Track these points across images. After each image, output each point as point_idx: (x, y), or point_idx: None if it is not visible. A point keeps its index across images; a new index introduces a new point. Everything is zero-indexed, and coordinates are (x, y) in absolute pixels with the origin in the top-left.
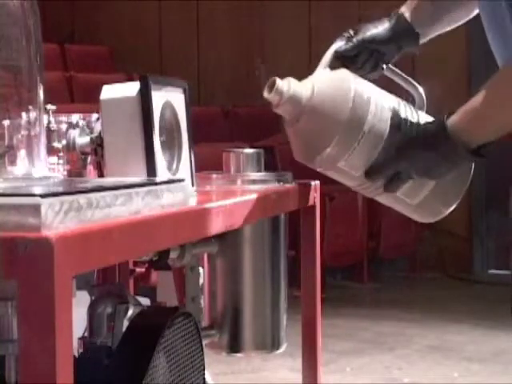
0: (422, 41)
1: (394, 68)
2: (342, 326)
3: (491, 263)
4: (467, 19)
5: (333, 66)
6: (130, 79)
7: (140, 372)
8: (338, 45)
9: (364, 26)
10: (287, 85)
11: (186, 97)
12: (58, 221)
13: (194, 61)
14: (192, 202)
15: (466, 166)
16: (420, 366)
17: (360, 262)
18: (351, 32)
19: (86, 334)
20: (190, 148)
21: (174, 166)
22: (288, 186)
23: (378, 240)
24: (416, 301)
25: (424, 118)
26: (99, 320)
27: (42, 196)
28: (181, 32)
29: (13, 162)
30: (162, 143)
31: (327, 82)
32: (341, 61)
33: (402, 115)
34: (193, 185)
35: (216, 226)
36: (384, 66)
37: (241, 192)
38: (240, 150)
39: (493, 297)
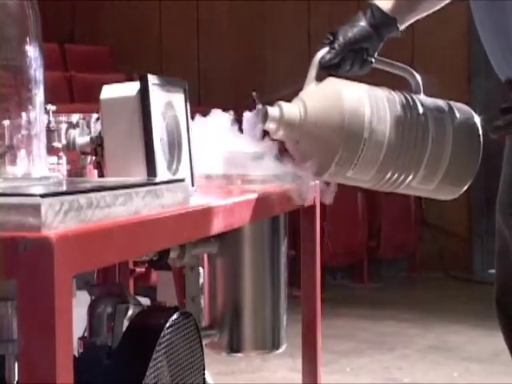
0: (400, 28)
1: (382, 58)
2: (342, 326)
3: (491, 263)
4: (441, 6)
5: (320, 76)
6: (130, 79)
7: (140, 372)
8: (321, 55)
9: (341, 28)
10: (279, 110)
11: (185, 97)
12: (58, 221)
13: (194, 61)
14: (192, 202)
15: (475, 147)
16: (420, 366)
17: (360, 262)
18: (330, 37)
19: (85, 334)
20: (189, 148)
21: (174, 166)
22: (288, 185)
23: (377, 240)
24: (416, 301)
25: (423, 100)
26: (99, 320)
27: (42, 196)
28: (181, 32)
29: (13, 162)
30: (162, 143)
31: (318, 98)
32: (327, 70)
33: (399, 107)
34: (193, 185)
35: (216, 226)
36: (372, 60)
37: (241, 192)
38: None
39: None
